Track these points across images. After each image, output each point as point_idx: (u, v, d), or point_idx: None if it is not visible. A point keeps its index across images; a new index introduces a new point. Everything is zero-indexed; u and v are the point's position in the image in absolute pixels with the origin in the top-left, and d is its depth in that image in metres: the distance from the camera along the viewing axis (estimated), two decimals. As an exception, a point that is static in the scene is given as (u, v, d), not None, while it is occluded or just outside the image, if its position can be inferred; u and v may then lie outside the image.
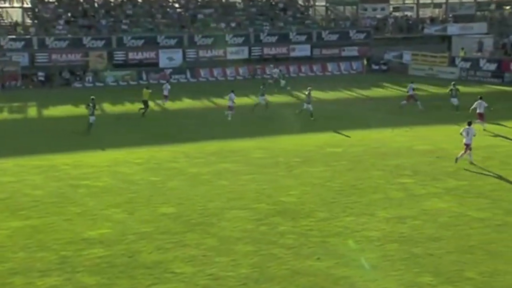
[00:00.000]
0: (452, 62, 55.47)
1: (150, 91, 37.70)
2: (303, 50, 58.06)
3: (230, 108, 35.57)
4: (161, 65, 53.74)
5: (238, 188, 22.19)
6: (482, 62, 53.75)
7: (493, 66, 52.66)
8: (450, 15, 66.44)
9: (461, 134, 25.50)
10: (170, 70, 53.49)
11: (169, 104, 41.31)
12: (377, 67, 58.83)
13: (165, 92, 40.64)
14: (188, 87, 49.57)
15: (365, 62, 58.25)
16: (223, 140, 29.98)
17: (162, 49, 54.00)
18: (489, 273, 15.10)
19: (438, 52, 57.41)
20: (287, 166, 25.15)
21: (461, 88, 47.89)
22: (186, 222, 18.72)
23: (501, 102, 40.51)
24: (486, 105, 32.33)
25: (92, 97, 33.19)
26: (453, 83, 39.53)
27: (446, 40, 60.88)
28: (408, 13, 68.09)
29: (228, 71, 55.04)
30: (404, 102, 38.80)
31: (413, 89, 39.17)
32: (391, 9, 67.66)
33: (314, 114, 35.13)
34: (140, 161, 26.14)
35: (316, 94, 42.52)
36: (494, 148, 27.99)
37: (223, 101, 39.16)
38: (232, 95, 35.67)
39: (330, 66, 58.09)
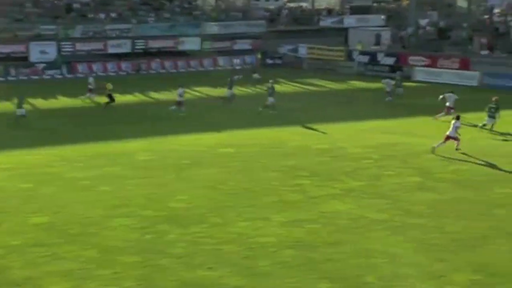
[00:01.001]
0: (349, 56, 57.08)
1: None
2: (192, 43, 58.00)
3: (179, 103, 36.38)
4: (32, 59, 52.09)
5: (122, 194, 21.88)
6: (380, 56, 55.61)
7: (391, 60, 54.58)
8: (347, 7, 68.32)
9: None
10: (44, 65, 51.96)
11: (41, 103, 40.19)
12: (271, 61, 59.64)
13: (90, 86, 40.99)
14: (64, 84, 48.34)
15: (259, 56, 58.93)
16: (105, 142, 29.46)
17: (33, 42, 52.35)
18: (389, 277, 15.65)
19: (336, 45, 58.91)
20: (176, 168, 25.06)
21: (359, 84, 49.60)
22: (63, 232, 18.26)
23: (398, 97, 42.09)
24: (456, 97, 34.80)
25: None
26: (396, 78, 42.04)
27: (343, 32, 62.51)
28: (303, 4, 69.48)
29: (109, 66, 54.14)
30: None
31: None
32: (285, -1, 68.91)
33: (208, 114, 35.50)
34: (8, 166, 25.26)
35: (207, 91, 42.61)
36: (395, 146, 29.02)
37: (102, 99, 38.60)
38: (180, 90, 36.66)
39: (221, 61, 58.34)
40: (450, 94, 35.42)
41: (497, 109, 32.59)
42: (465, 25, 54.19)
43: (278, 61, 59.92)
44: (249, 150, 28.24)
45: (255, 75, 49.22)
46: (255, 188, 22.61)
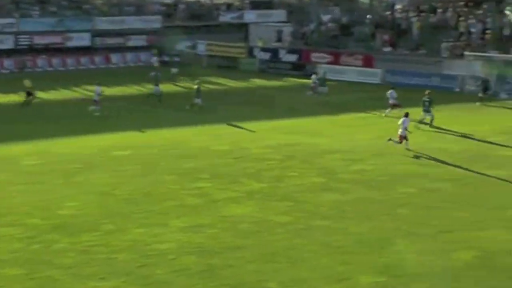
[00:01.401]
0: (250, 53, 57.48)
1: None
2: (82, 40, 56.92)
3: (95, 102, 36.16)
4: None
5: (5, 201, 21.24)
6: (282, 53, 56.29)
7: (293, 57, 55.33)
8: (247, 1, 68.74)
9: (399, 125, 28.27)
10: None
11: None
12: (168, 59, 59.29)
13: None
14: None
15: (155, 52, 58.47)
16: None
17: None
18: (291, 282, 15.84)
19: (236, 41, 59.20)
20: (65, 173, 24.53)
21: (261, 82, 50.01)
22: None
23: (297, 95, 42.77)
24: (395, 96, 35.90)
25: None
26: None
27: (243, 28, 62.87)
28: (202, -2, 69.39)
29: (-11, 63, 52.43)
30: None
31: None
32: (182, -7, 68.54)
33: (102, 113, 35.23)
34: None
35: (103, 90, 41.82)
36: (295, 147, 29.44)
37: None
38: (98, 88, 36.58)
39: (114, 58, 57.55)
40: (391, 91, 36.38)
41: (431, 103, 33.77)
42: (367, 21, 55.52)
43: (176, 59, 59.63)
44: (146, 152, 27.98)
45: (173, 70, 49.63)
46: (152, 192, 22.42)
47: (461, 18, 50.93)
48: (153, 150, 28.22)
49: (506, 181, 24.03)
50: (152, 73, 44.91)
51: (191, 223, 19.53)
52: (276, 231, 19.05)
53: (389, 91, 36.65)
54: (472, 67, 44.56)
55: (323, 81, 43.06)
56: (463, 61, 44.63)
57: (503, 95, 42.78)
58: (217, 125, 33.68)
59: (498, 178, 24.36)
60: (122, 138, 30.56)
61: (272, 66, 55.31)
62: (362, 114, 37.32)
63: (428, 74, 46.66)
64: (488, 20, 49.03)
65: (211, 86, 47.38)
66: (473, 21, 50.35)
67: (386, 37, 53.73)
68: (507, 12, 49.71)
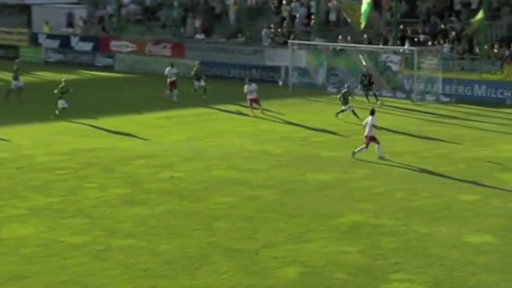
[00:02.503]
0: (34, 41, 56.17)
1: None
2: None
3: None
4: None
5: None
6: (74, 40, 55.45)
7: (88, 46, 54.71)
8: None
9: (363, 126, 28.49)
10: None
11: None
12: None
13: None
14: None
15: None
16: None
17: None
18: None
19: (17, 27, 57.67)
20: None
21: (48, 74, 48.99)
22: None
23: (92, 91, 42.42)
24: (254, 89, 36.18)
25: None
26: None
27: (26, 11, 61.28)
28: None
29: None
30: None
31: None
32: None
33: None
34: None
35: None
36: (96, 152, 29.15)
37: None
38: None
39: None
40: (247, 85, 36.52)
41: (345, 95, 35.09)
42: (175, 3, 55.81)
43: None
44: None
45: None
46: None
47: (283, 1, 52.44)
48: None
49: (331, 186, 24.99)
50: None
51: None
52: (69, 254, 18.68)
53: (246, 85, 36.72)
54: (296, 57, 45.98)
55: (199, 75, 41.66)
56: (287, 50, 45.93)
57: (331, 89, 44.55)
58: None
59: (323, 183, 25.29)
60: None
61: (61, 55, 54.33)
62: (172, 113, 37.50)
63: (248, 66, 47.63)
64: (312, 3, 50.82)
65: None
66: (296, 4, 52.01)
67: (198, 22, 54.32)
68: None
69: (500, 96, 40.92)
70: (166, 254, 18.75)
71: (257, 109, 36.55)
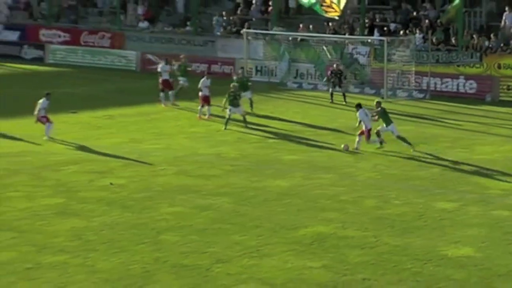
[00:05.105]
0: None
1: None
2: None
3: None
4: None
5: None
6: (-1, 29, 55.16)
7: (14, 35, 54.37)
8: None
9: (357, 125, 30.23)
10: None
11: None
12: None
13: None
14: None
15: None
16: None
17: None
18: None
19: None
20: None
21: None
22: None
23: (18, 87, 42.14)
24: (208, 84, 36.10)
25: None
26: None
27: None
28: None
29: None
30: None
31: None
32: None
33: None
34: None
35: None
36: (21, 157, 28.96)
37: None
38: None
39: None
40: (203, 79, 36.41)
41: (235, 97, 34.81)
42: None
43: None
44: None
45: None
46: None
47: (237, -15, 52.55)
48: None
49: (292, 194, 25.05)
50: None
51: None
52: (-18, 275, 18.52)
53: (203, 79, 36.53)
54: (252, 48, 46.02)
55: (183, 71, 41.09)
56: (241, 41, 45.96)
57: (291, 84, 44.68)
58: None
59: (283, 190, 25.35)
60: None
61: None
62: (113, 111, 37.35)
63: (198, 58, 47.46)
64: (271, -13, 50.96)
65: None
66: (251, -12, 52.12)
67: (141, 9, 54.15)
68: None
69: (479, 92, 41.31)
70: (105, 273, 18.64)
71: (206, 114, 36.17)
